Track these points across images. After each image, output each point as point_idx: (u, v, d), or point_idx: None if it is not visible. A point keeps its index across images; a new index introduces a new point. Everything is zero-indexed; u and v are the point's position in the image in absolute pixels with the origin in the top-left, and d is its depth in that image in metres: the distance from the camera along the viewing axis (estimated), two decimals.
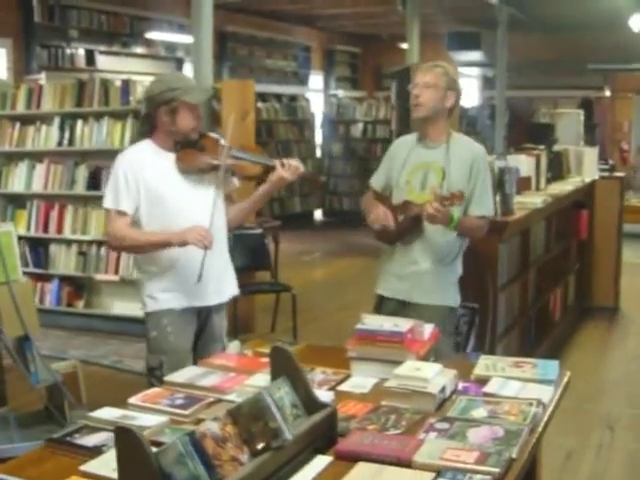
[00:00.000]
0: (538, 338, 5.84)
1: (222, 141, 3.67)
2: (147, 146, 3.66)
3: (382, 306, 3.97)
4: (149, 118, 3.65)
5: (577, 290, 7.39)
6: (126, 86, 6.90)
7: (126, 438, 1.80)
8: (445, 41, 15.33)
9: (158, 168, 3.60)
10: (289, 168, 3.61)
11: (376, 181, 4.09)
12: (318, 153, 15.52)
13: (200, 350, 3.73)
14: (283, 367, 2.35)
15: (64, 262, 7.33)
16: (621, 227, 7.87)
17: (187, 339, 3.69)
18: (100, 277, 7.12)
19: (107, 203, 3.60)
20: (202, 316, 3.74)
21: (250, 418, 2.05)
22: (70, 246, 7.31)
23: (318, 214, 15.53)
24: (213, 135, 3.75)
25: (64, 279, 7.35)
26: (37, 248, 7.40)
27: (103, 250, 7.13)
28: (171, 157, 3.62)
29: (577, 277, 7.40)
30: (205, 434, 1.91)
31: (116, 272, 7.04)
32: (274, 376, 2.36)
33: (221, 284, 3.75)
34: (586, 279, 7.66)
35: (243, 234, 6.34)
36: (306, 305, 6.84)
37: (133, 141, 6.55)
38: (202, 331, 3.76)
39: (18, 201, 7.54)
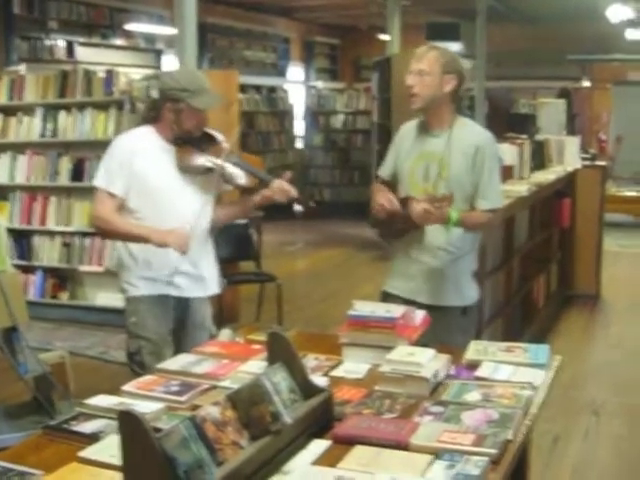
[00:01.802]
0: (522, 326, 5.90)
1: (224, 145, 3.67)
2: (149, 133, 3.66)
3: (386, 303, 3.63)
4: (155, 106, 3.67)
5: (559, 278, 7.46)
6: (110, 77, 6.88)
7: (130, 422, 1.80)
8: (424, 32, 15.37)
9: (155, 159, 3.61)
10: (281, 189, 3.62)
11: (384, 170, 3.84)
12: (299, 144, 15.52)
13: (184, 339, 3.75)
14: (280, 353, 2.37)
15: (48, 254, 7.32)
16: (602, 216, 7.95)
17: (166, 325, 3.71)
18: (85, 268, 7.11)
19: (98, 182, 3.61)
20: (181, 305, 3.75)
21: (249, 403, 2.07)
22: (54, 238, 7.29)
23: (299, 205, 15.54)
24: (216, 136, 3.73)
25: (48, 271, 7.34)
26: (20, 240, 7.37)
27: (87, 241, 7.14)
28: (170, 150, 3.62)
29: (559, 265, 7.46)
30: (205, 419, 1.92)
31: (100, 263, 7.05)
32: (271, 361, 2.37)
33: (201, 281, 3.77)
34: (568, 267, 7.73)
35: (228, 225, 6.31)
36: (290, 295, 6.86)
37: (119, 130, 6.65)
38: (184, 320, 3.78)
39: (0, 193, 7.50)
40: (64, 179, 7.15)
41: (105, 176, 3.60)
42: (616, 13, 12.58)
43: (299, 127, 15.61)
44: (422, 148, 3.63)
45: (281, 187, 3.62)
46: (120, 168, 3.57)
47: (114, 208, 3.58)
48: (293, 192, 3.65)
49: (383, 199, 3.53)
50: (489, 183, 3.57)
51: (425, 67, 3.52)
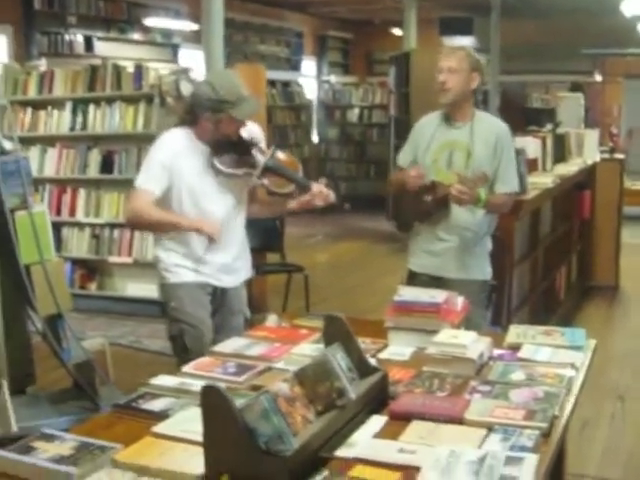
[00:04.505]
0: (546, 315, 6.00)
1: (263, 148, 3.70)
2: (186, 136, 3.68)
3: (414, 281, 4.05)
4: (193, 110, 3.65)
5: (579, 269, 7.56)
6: (139, 71, 7.00)
7: (212, 395, 1.93)
8: (437, 26, 15.45)
9: (194, 162, 3.64)
10: (321, 194, 3.67)
11: (403, 160, 4.16)
12: (315, 138, 15.63)
13: (220, 324, 3.84)
14: (336, 334, 2.49)
15: (77, 245, 7.44)
16: (621, 208, 8.05)
17: (204, 310, 3.79)
18: (114, 259, 7.24)
19: (138, 181, 3.65)
20: (217, 292, 3.84)
21: (315, 380, 2.19)
22: (83, 229, 7.42)
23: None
24: (255, 139, 3.73)
25: (77, 262, 7.46)
26: None
27: (116, 233, 7.26)
28: (207, 151, 3.65)
29: (579, 256, 7.57)
30: (278, 394, 2.04)
31: (129, 254, 7.17)
32: (327, 343, 2.50)
33: (235, 272, 3.86)
34: (588, 258, 7.84)
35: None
36: (313, 286, 6.96)
37: (148, 123, 6.77)
38: (221, 306, 3.87)
39: None
40: (93, 171, 7.27)
41: (145, 176, 3.64)
42: (630, 7, 12.64)
43: (315, 121, 15.71)
44: (445, 137, 3.97)
45: (321, 192, 3.68)
46: (161, 168, 3.61)
47: (149, 202, 3.61)
48: (332, 197, 3.71)
49: (413, 171, 3.88)
50: (507, 169, 3.97)
51: (455, 65, 3.88)
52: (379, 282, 8.33)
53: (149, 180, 3.63)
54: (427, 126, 4.07)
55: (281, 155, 3.76)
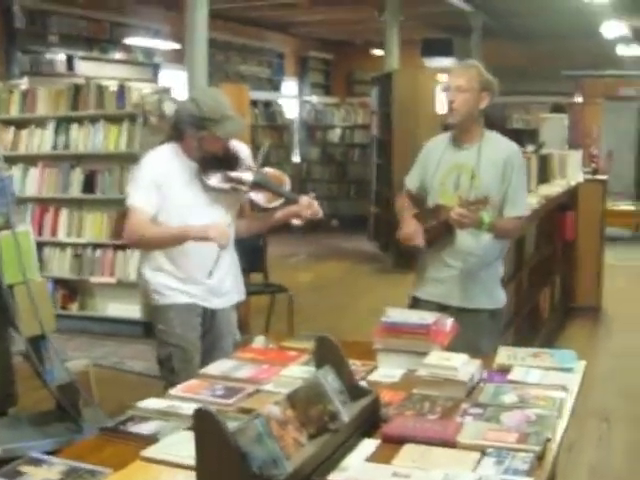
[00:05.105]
0: (529, 335, 6.00)
1: (250, 160, 3.71)
2: (173, 153, 3.69)
3: (419, 309, 3.78)
4: (178, 127, 3.66)
5: (562, 290, 7.58)
6: (122, 90, 6.98)
7: (204, 419, 1.89)
8: (419, 47, 15.54)
9: (181, 179, 3.64)
10: (309, 206, 3.65)
11: (410, 182, 4.00)
12: (296, 158, 15.64)
13: (209, 346, 3.82)
14: (327, 356, 2.47)
15: (58, 265, 7.38)
16: (603, 229, 8.09)
17: (194, 332, 3.76)
18: (96, 280, 7.19)
19: (130, 200, 3.64)
20: (208, 314, 3.82)
21: (307, 402, 2.17)
22: (65, 249, 7.37)
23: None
24: (241, 155, 3.74)
25: (58, 282, 7.40)
26: None
27: (98, 252, 7.22)
28: (194, 168, 3.64)
29: (562, 277, 7.58)
30: (269, 417, 2.01)
31: (112, 274, 7.12)
32: (318, 365, 2.47)
33: (225, 293, 3.84)
34: (570, 279, 7.86)
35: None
36: (297, 306, 6.94)
37: (131, 142, 6.74)
38: (209, 328, 3.84)
39: None
40: (76, 191, 7.23)
41: (137, 195, 3.62)
42: (610, 29, 12.77)
43: (296, 141, 15.73)
44: (453, 160, 3.79)
45: (310, 204, 3.66)
46: (150, 186, 3.60)
47: (147, 221, 3.60)
48: (320, 211, 3.69)
49: (410, 229, 3.70)
50: (517, 192, 3.76)
51: (464, 84, 3.70)
52: (362, 302, 8.32)
53: (141, 198, 3.61)
54: (435, 148, 3.91)
55: (268, 170, 3.79)
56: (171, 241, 3.65)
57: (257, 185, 3.66)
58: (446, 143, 3.86)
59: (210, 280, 3.67)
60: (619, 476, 4.38)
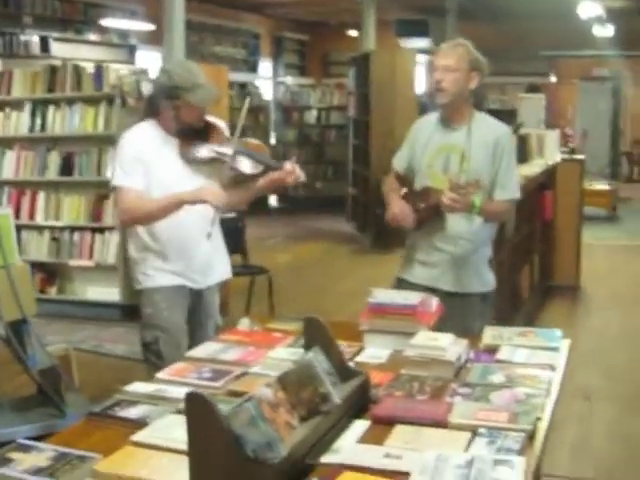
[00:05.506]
0: (510, 314, 6.02)
1: (228, 134, 3.70)
2: (152, 128, 3.68)
3: (404, 289, 3.65)
4: (153, 102, 3.69)
5: (541, 269, 7.62)
6: (99, 72, 6.91)
7: (197, 403, 1.87)
8: (393, 28, 15.50)
9: (162, 154, 3.63)
10: (293, 172, 3.62)
11: (398, 163, 3.91)
12: (272, 140, 15.58)
13: (194, 327, 3.80)
14: (316, 337, 2.46)
15: (36, 248, 7.32)
16: (582, 209, 8.13)
17: (181, 315, 3.75)
18: (75, 263, 7.14)
19: (116, 181, 3.61)
20: (193, 294, 3.79)
21: (298, 384, 2.15)
22: (42, 232, 7.30)
23: (273, 200, 15.59)
24: (219, 125, 3.74)
25: (36, 265, 7.30)
26: None
27: (77, 236, 7.16)
28: (174, 142, 3.64)
29: (541, 257, 7.62)
30: (261, 399, 2.00)
31: (90, 257, 7.08)
32: (307, 346, 2.46)
33: (211, 269, 3.81)
34: (549, 259, 7.90)
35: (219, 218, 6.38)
36: (277, 287, 6.93)
37: (109, 124, 6.68)
38: (195, 309, 3.82)
39: None
40: (53, 173, 7.16)
41: (122, 174, 3.60)
42: (586, 10, 12.80)
43: (272, 122, 15.67)
44: (442, 141, 3.72)
45: (293, 170, 3.62)
46: (134, 162, 3.58)
47: (138, 197, 3.58)
48: (303, 176, 3.66)
49: (397, 209, 3.66)
50: (507, 174, 3.68)
51: (452, 63, 3.61)
52: (342, 283, 8.34)
53: (127, 176, 3.59)
54: (423, 129, 3.83)
55: (248, 139, 3.79)
56: (167, 211, 3.57)
57: (239, 153, 3.62)
58: (435, 123, 3.78)
59: (208, 242, 3.61)
60: (601, 453, 4.42)
